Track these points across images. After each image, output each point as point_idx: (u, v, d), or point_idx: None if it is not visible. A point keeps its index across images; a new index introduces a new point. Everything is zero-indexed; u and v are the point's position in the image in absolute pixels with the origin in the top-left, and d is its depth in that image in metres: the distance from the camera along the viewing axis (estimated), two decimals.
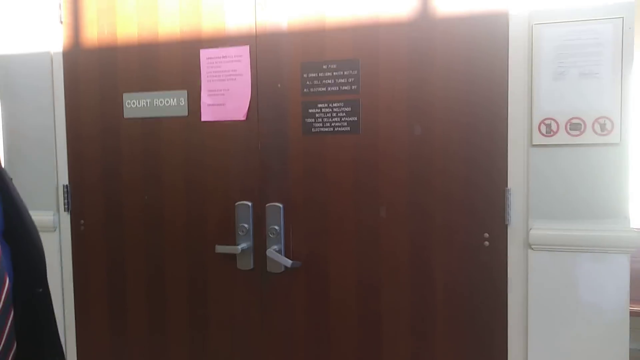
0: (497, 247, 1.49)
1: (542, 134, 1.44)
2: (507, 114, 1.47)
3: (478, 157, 1.50)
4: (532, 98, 1.45)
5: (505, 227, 1.48)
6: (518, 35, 1.45)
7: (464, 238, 1.52)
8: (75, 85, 1.85)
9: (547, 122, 1.44)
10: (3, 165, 0.77)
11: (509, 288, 1.48)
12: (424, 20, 1.52)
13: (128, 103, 1.79)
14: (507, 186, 1.48)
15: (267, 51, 1.65)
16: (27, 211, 0.77)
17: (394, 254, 1.58)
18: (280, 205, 1.66)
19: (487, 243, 1.50)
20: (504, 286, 1.49)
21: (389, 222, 1.57)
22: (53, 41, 1.85)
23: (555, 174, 1.44)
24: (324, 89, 1.61)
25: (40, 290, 0.74)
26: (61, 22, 1.84)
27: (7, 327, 0.67)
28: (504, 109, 1.47)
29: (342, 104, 1.60)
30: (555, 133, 1.43)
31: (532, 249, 1.46)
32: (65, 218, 1.88)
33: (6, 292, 0.67)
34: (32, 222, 0.78)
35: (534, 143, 1.45)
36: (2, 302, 0.66)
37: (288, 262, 1.63)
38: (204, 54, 1.70)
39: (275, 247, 1.66)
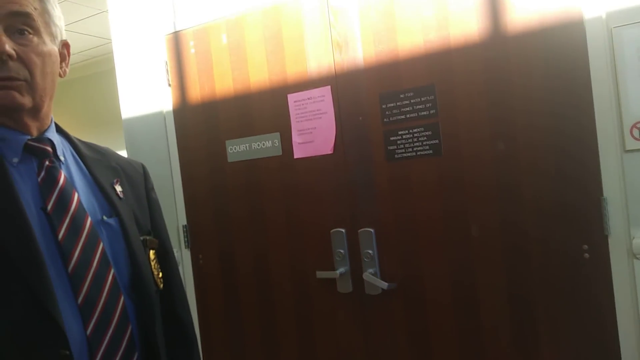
0: (598, 258, 1.44)
1: (635, 138, 1.38)
2: (594, 122, 1.43)
3: (568, 168, 1.47)
4: (619, 103, 1.40)
5: (606, 238, 1.43)
6: (597, 40, 1.41)
7: (562, 251, 1.49)
8: (185, 137, 2.12)
9: (639, 125, 1.38)
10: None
11: (616, 301, 1.42)
12: (497, 39, 1.54)
13: (230, 148, 2.01)
14: (602, 195, 1.43)
15: (347, 88, 1.78)
16: (147, 266, 0.87)
17: (489, 272, 1.58)
18: (372, 230, 1.75)
19: (587, 255, 1.45)
20: (610, 300, 1.43)
21: (481, 241, 1.59)
22: (164, 101, 2.15)
23: None
24: (403, 116, 1.69)
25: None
26: (169, 85, 2.13)
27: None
28: (591, 117, 1.43)
29: (422, 129, 1.66)
30: None
31: (638, 258, 1.39)
32: (187, 254, 2.15)
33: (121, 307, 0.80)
34: (149, 278, 0.87)
35: (627, 148, 1.40)
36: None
37: (384, 285, 1.71)
38: (291, 97, 1.87)
39: (370, 270, 1.75)
